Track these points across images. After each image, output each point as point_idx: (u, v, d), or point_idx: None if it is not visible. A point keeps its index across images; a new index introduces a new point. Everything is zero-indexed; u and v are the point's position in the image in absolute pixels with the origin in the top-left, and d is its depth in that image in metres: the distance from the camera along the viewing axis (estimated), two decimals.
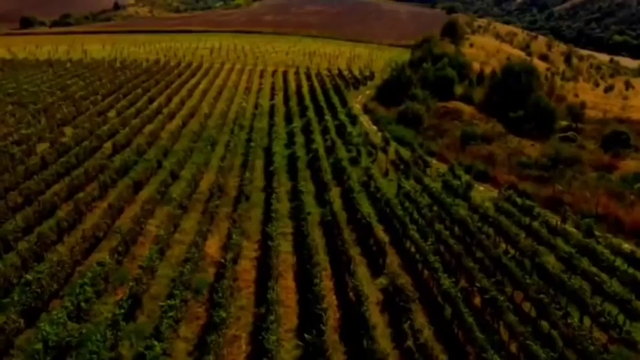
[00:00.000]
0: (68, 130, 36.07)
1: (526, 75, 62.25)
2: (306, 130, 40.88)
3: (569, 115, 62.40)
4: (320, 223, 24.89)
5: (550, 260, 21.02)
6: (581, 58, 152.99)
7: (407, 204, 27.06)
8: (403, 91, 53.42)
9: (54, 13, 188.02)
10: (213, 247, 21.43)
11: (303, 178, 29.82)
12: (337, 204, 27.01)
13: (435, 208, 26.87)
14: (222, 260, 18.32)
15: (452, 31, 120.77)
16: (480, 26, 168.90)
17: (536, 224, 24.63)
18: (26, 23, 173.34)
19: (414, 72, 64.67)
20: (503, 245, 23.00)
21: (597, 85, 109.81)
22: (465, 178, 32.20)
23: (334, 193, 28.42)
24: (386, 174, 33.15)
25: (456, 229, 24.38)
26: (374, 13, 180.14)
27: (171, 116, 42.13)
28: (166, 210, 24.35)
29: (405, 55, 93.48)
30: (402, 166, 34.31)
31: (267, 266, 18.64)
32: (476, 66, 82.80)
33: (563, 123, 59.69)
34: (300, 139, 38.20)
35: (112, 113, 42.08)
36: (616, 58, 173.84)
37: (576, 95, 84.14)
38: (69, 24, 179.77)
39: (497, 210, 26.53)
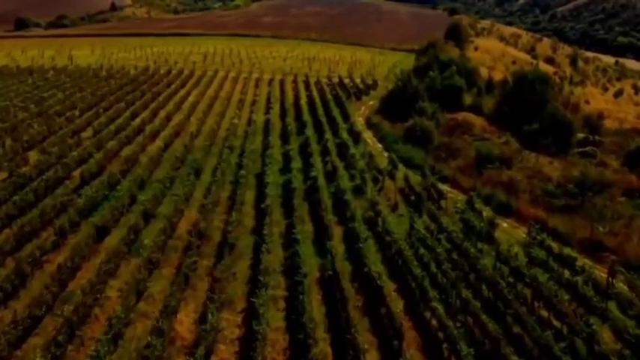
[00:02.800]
0: (33, 156, 31.86)
1: (540, 84, 58.07)
2: (304, 152, 36.65)
3: (586, 126, 58.37)
4: (319, 280, 20.69)
5: (606, 337, 16.88)
6: (586, 60, 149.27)
7: (422, 250, 22.85)
8: (410, 103, 49.12)
9: (50, 14, 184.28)
10: (185, 321, 17.19)
11: (300, 218, 25.60)
12: (340, 252, 22.84)
13: (456, 256, 22.70)
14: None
15: (456, 34, 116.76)
16: (483, 28, 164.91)
17: (580, 281, 20.42)
18: (21, 24, 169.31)
19: (419, 80, 60.52)
20: (545, 313, 18.77)
21: (606, 89, 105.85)
22: (487, 213, 27.98)
23: (336, 237, 24.21)
24: (395, 208, 28.93)
25: (484, 287, 20.20)
26: (374, 15, 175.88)
27: (154, 135, 37.91)
28: (134, 264, 20.17)
29: (408, 60, 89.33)
30: (412, 197, 30.11)
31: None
32: (484, 72, 78.73)
33: (580, 135, 55.73)
34: (297, 163, 33.97)
35: (87, 132, 37.86)
36: (621, 60, 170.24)
37: (587, 102, 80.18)
38: (65, 25, 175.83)
39: (531, 261, 22.31)
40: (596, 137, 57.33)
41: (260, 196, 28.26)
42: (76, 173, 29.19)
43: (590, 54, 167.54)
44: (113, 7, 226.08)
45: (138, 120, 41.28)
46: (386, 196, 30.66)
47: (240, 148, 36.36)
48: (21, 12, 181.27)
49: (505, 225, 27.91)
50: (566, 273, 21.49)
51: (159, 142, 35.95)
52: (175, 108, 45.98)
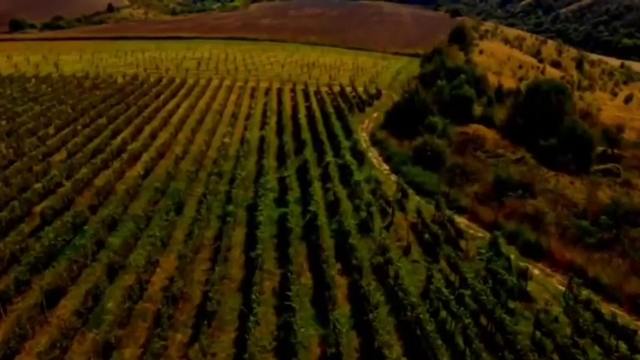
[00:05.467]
0: None
1: (556, 94, 54.08)
2: (303, 177, 32.67)
3: (604, 139, 54.51)
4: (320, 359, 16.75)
5: None
6: (592, 63, 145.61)
7: (443, 314, 19.03)
8: (418, 117, 45.11)
9: (46, 16, 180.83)
10: None
11: (298, 269, 21.60)
12: (345, 312, 18.94)
13: (485, 321, 18.81)
14: None
15: (460, 37, 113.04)
16: (487, 30, 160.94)
17: None
18: (16, 26, 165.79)
19: (426, 90, 56.62)
20: None
21: (615, 94, 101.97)
22: (514, 256, 24.06)
23: (340, 293, 20.30)
24: (407, 250, 24.90)
25: None
26: (375, 16, 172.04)
27: (136, 158, 33.88)
28: (89, 342, 16.23)
29: (412, 66, 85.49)
30: (426, 235, 26.14)
31: None
32: (492, 79, 74.82)
33: (598, 148, 51.99)
34: (294, 192, 29.91)
35: (60, 155, 33.86)
36: (627, 62, 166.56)
37: (599, 109, 76.29)
38: (60, 27, 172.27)
39: (577, 330, 18.33)
40: (616, 151, 53.65)
41: (251, 236, 24.33)
42: (38, 209, 25.16)
43: (595, 56, 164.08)
44: (110, 8, 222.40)
45: (119, 139, 37.26)
46: (396, 234, 26.67)
47: (230, 172, 32.34)
48: (16, 13, 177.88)
49: (537, 272, 23.93)
50: (623, 346, 17.61)
51: (139, 167, 31.92)
52: (162, 123, 41.91)
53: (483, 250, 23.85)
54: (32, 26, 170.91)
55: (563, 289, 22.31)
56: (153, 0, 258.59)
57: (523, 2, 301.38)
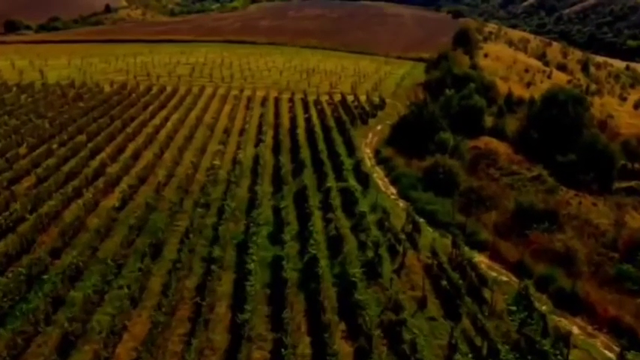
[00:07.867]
0: None
1: (574, 105, 50.57)
2: (301, 205, 29.06)
3: (624, 152, 51.17)
4: None
5: None
6: (597, 66, 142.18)
7: None
8: (426, 133, 41.55)
9: (43, 17, 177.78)
10: None
11: (295, 330, 17.96)
12: None
13: None
14: None
15: (465, 40, 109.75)
16: (490, 32, 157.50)
17: None
18: (11, 27, 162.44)
19: (432, 98, 53.10)
20: None
21: (624, 99, 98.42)
22: (550, 315, 20.38)
23: None
24: (423, 303, 21.24)
25: None
26: (377, 18, 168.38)
27: (114, 183, 30.23)
28: None
29: (417, 72, 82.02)
30: (444, 282, 22.50)
31: None
32: (502, 87, 71.31)
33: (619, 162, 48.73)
34: (291, 226, 26.32)
35: (29, 180, 30.17)
36: (632, 64, 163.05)
37: (610, 116, 72.79)
38: (56, 28, 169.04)
39: None
40: (635, 165, 50.37)
41: (239, 286, 20.71)
42: None
43: (600, 58, 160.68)
44: (107, 9, 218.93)
45: (97, 160, 33.59)
46: (408, 280, 23.05)
47: (219, 201, 28.68)
48: (13, 14, 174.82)
49: (575, 329, 20.29)
50: None
51: (116, 196, 28.22)
52: (147, 141, 38.20)
53: (514, 308, 20.22)
54: (28, 27, 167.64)
55: (610, 355, 18.76)
56: (151, 0, 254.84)
57: (525, 3, 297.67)
